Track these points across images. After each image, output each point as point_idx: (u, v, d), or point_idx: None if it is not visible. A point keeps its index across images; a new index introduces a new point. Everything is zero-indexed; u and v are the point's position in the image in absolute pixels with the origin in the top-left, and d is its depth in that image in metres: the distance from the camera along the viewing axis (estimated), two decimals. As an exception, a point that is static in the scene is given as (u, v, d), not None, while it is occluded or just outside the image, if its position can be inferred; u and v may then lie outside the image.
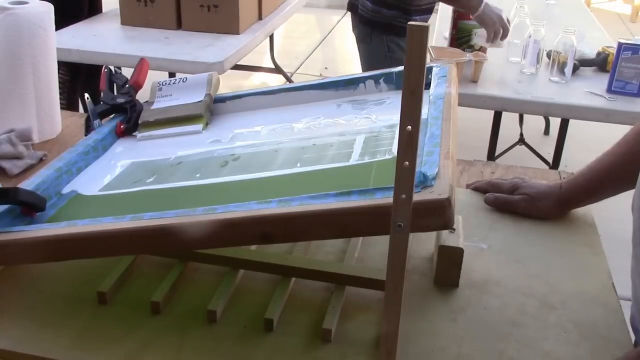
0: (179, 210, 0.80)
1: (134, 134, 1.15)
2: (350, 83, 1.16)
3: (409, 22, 0.58)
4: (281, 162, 0.94)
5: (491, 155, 2.54)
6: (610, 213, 1.45)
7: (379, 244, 0.98)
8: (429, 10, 2.23)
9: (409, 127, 0.61)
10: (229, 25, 2.57)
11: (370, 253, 0.97)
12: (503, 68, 2.23)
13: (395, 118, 0.80)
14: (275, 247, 0.94)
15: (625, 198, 0.95)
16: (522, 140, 3.05)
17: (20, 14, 1.25)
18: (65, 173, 1.00)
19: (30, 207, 0.89)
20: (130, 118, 1.15)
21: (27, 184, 0.94)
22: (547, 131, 3.60)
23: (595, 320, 0.86)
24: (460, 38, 2.25)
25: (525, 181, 1.11)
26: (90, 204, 0.94)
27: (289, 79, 3.94)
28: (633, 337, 0.86)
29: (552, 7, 3.14)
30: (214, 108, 1.19)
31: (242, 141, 1.06)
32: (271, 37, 3.58)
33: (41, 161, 1.24)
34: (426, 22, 2.16)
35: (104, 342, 0.80)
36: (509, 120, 2.83)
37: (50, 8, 1.31)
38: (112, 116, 1.19)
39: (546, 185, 1.09)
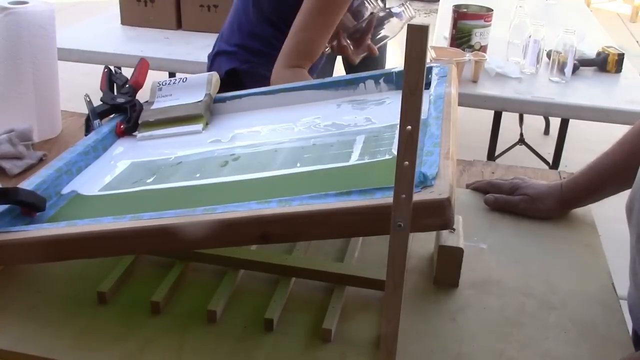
0: (179, 210, 0.80)
1: (134, 134, 1.15)
2: (350, 83, 1.16)
3: (408, 24, 0.58)
4: (281, 162, 0.94)
5: (491, 155, 2.54)
6: (610, 213, 1.45)
7: (379, 244, 0.98)
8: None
9: (409, 127, 0.61)
10: (229, 25, 2.56)
11: (370, 253, 0.97)
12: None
13: (395, 118, 0.80)
14: (275, 247, 0.94)
15: (625, 198, 0.95)
16: (522, 140, 3.05)
17: (20, 13, 1.25)
18: (65, 173, 1.00)
19: (30, 207, 0.89)
20: (130, 118, 1.15)
21: (27, 184, 0.94)
22: (547, 131, 3.60)
23: (595, 320, 0.86)
24: (460, 38, 2.25)
25: (526, 181, 1.11)
26: (90, 204, 0.94)
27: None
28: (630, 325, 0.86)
29: (552, 7, 3.14)
30: (214, 108, 1.19)
31: (242, 141, 1.06)
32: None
33: (41, 161, 1.24)
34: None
35: (104, 342, 0.80)
36: (509, 120, 2.84)
37: (50, 7, 1.31)
38: (112, 116, 1.19)
39: (547, 186, 1.09)
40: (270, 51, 1.39)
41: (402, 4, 1.80)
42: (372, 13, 1.53)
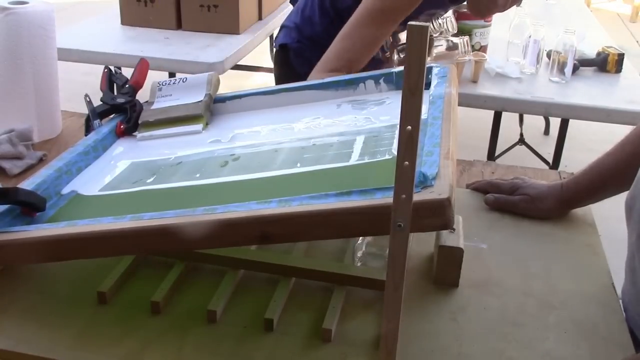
0: (179, 210, 0.80)
1: (134, 134, 1.15)
2: (350, 83, 1.16)
3: (409, 22, 0.58)
4: (281, 162, 0.94)
5: (491, 155, 2.54)
6: (610, 213, 1.45)
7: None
8: None
9: (409, 127, 0.61)
10: (229, 25, 2.57)
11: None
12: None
13: (395, 118, 0.80)
14: (275, 247, 0.94)
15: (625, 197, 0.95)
16: (522, 140, 3.05)
17: (20, 13, 1.25)
18: (65, 173, 1.00)
19: (30, 207, 0.89)
20: (130, 118, 1.15)
21: (27, 184, 0.94)
22: (547, 131, 3.60)
23: (595, 320, 0.86)
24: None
25: (526, 181, 1.11)
26: (90, 204, 0.94)
27: (289, 79, 3.93)
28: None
29: (552, 7, 3.14)
30: (214, 108, 1.19)
31: (242, 141, 1.06)
32: (271, 37, 3.58)
33: (41, 161, 1.24)
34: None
35: (104, 342, 0.80)
36: (509, 120, 2.83)
37: (50, 8, 1.31)
38: (112, 116, 1.19)
39: (547, 186, 1.09)
40: (319, 39, 1.46)
41: (461, 38, 1.86)
42: (431, 35, 1.55)
